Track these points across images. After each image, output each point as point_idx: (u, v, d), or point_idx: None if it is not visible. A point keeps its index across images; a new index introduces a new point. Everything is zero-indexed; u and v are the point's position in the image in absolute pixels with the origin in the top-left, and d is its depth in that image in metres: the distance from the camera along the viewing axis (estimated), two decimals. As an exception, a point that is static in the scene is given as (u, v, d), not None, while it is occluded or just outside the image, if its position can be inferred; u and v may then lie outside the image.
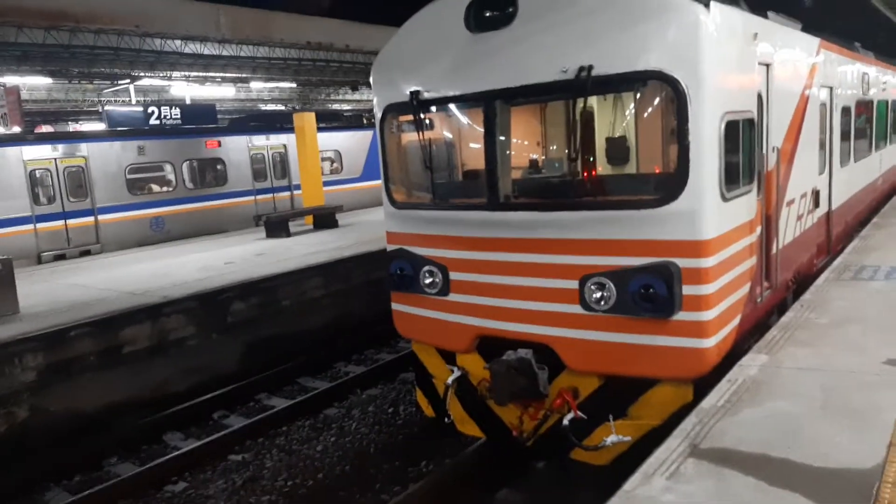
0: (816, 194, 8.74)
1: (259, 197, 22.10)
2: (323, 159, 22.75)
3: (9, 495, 7.87)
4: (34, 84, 21.87)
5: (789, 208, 7.54)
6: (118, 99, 24.44)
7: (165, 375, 10.42)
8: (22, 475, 8.19)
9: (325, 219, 19.08)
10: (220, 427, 9.40)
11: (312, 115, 20.36)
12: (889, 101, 14.72)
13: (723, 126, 5.51)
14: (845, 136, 10.29)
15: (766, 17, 7.27)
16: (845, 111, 10.19)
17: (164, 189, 20.00)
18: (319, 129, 20.71)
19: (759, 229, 6.55)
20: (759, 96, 6.41)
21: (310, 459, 8.06)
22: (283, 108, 31.84)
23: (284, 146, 22.78)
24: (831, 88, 9.26)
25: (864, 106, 11.95)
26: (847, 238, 10.64)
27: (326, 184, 21.59)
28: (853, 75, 10.94)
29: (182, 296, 11.10)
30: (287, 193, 23.01)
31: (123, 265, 14.88)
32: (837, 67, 9.73)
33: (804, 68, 7.97)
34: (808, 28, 8.87)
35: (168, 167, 20.03)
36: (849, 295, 7.28)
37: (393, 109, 6.94)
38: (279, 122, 23.87)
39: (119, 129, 20.24)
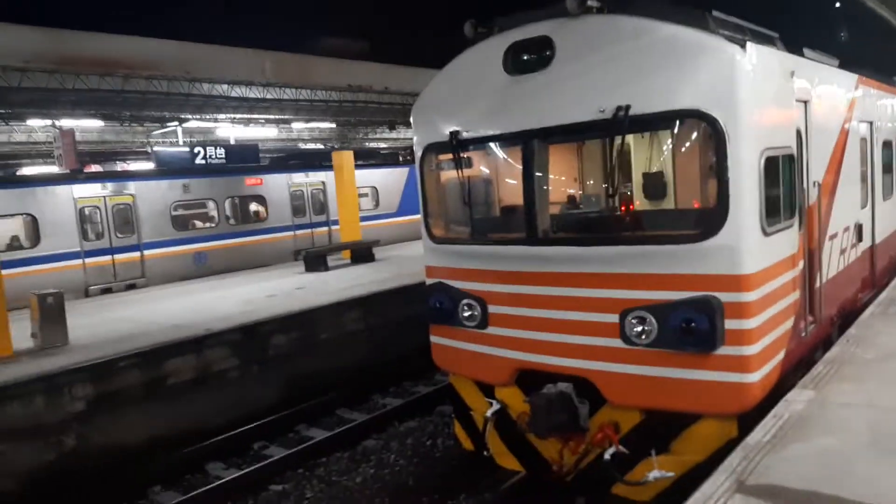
0: (859, 228, 8.64)
1: (298, 232, 22.53)
2: (360, 195, 23.16)
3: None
4: (87, 126, 22.83)
5: (832, 242, 7.47)
6: (166, 140, 25.31)
7: (207, 406, 10.60)
8: (69, 501, 8.37)
9: (362, 253, 19.33)
10: (261, 457, 9.50)
11: (350, 154, 20.79)
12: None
13: (762, 162, 5.55)
14: (887, 169, 10.17)
15: (802, 54, 7.33)
16: (886, 145, 10.10)
17: (207, 225, 20.54)
18: (357, 167, 21.13)
19: (801, 263, 6.51)
20: (798, 132, 6.43)
21: (349, 491, 8.10)
22: (321, 146, 32.56)
23: (323, 183, 23.27)
24: (871, 123, 9.20)
25: None
26: (891, 272, 10.43)
27: (364, 219, 21.93)
28: (894, 109, 10.85)
29: (225, 328, 11.34)
30: (325, 228, 23.41)
31: (167, 299, 15.26)
32: (877, 101, 9.68)
33: (843, 104, 7.97)
34: (844, 64, 8.88)
35: (211, 204, 20.60)
36: (895, 329, 7.14)
37: (432, 149, 7.13)
38: (318, 160, 24.41)
39: (165, 168, 20.91)
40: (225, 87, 19.19)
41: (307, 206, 23.08)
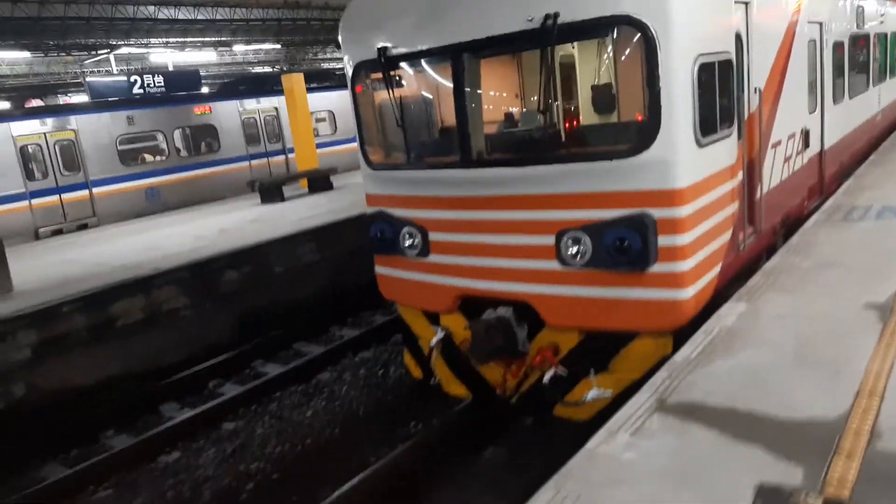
0: (806, 134, 8.51)
1: (254, 162, 21.92)
2: (316, 120, 22.44)
3: (7, 468, 8.01)
4: (13, 59, 21.52)
5: (775, 150, 7.35)
6: (100, 69, 24.01)
7: (159, 347, 10.47)
8: (19, 449, 8.31)
9: (319, 182, 18.91)
10: (216, 396, 9.48)
11: (301, 76, 20.00)
12: (889, 34, 14.24)
13: (696, 69, 5.32)
14: (838, 72, 9.97)
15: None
16: (838, 46, 9.85)
17: (157, 158, 19.87)
18: (311, 90, 20.36)
19: (740, 174, 6.39)
20: (738, 36, 6.17)
21: (299, 425, 8.12)
22: (270, 69, 31.27)
23: (276, 109, 22.48)
24: (821, 24, 8.93)
25: (860, 40, 11.55)
26: (843, 178, 10.42)
27: (322, 145, 21.34)
28: (846, 9, 10.55)
29: (173, 267, 11.08)
30: (282, 157, 22.80)
31: (119, 238, 14.87)
32: (828, 2, 9.37)
33: (789, 5, 7.67)
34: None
35: (160, 136, 19.85)
36: (836, 237, 7.15)
37: (363, 67, 6.77)
38: (270, 85, 23.51)
39: (107, 100, 19.99)
40: (152, 8, 17.97)
41: (261, 134, 22.37)
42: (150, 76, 20.58)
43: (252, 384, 9.41)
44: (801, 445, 3.49)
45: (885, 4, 13.89)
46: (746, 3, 6.35)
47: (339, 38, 7.02)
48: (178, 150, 20.23)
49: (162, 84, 20.71)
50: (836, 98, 9.91)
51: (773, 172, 7.34)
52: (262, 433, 8.05)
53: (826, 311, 5.25)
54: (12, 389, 9.11)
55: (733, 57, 6.07)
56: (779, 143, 7.48)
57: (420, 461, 6.71)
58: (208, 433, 8.31)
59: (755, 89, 6.62)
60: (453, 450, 6.88)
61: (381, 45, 6.35)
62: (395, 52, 6.33)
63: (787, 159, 7.82)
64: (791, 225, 8.02)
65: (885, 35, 13.83)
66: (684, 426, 3.85)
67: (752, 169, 6.68)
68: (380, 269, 7.33)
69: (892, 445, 3.40)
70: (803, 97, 8.36)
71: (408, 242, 6.81)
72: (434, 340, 6.83)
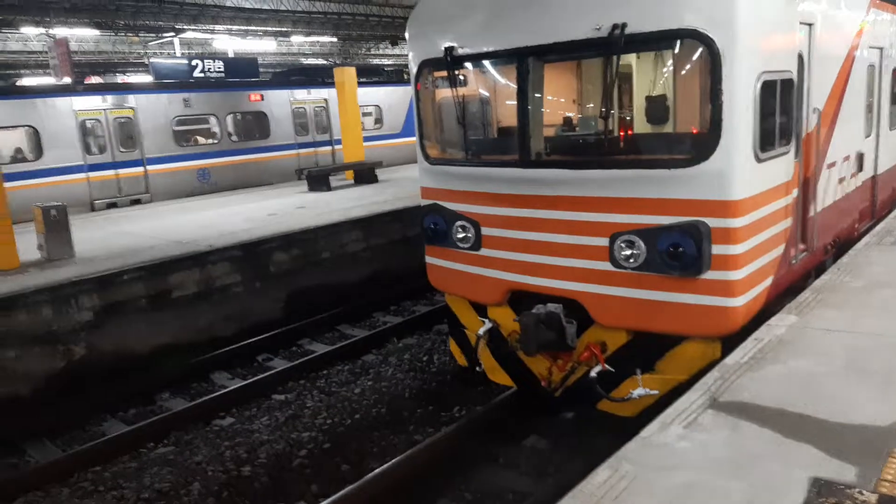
0: (861, 158, 8.59)
1: (301, 151, 22.41)
2: (364, 115, 22.85)
3: (68, 424, 8.48)
4: (82, 35, 22.43)
5: (830, 171, 7.46)
6: (163, 52, 24.83)
7: (211, 320, 10.91)
8: (80, 407, 8.80)
9: (365, 174, 19.30)
10: (264, 369, 9.87)
11: (353, 70, 20.40)
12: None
13: (758, 86, 5.47)
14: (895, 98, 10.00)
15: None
16: None
17: (210, 141, 20.44)
18: (360, 84, 20.76)
19: (795, 191, 6.53)
20: (801, 56, 6.31)
21: (348, 401, 8.45)
22: (323, 62, 31.86)
23: (325, 100, 22.94)
24: (881, 49, 8.98)
25: None
26: (893, 203, 10.44)
27: (367, 139, 21.72)
28: None
29: (227, 245, 11.51)
30: (328, 148, 23.26)
31: (172, 215, 15.40)
32: (889, 28, 9.41)
33: (851, 28, 7.77)
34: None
35: (213, 119, 20.41)
36: (887, 260, 7.24)
37: (428, 65, 7.00)
38: (320, 77, 24.00)
39: (165, 81, 20.64)
40: (221, -5, 18.72)
41: (310, 125, 22.86)
42: (211, 61, 21.19)
43: (301, 360, 9.79)
44: (853, 447, 3.67)
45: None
46: (810, 25, 6.48)
47: (406, 36, 7.28)
48: (229, 135, 20.78)
49: (221, 69, 21.27)
50: (893, 124, 9.94)
51: (827, 192, 7.44)
52: (313, 405, 8.42)
53: (876, 328, 5.39)
54: (73, 350, 9.60)
55: (795, 76, 6.21)
56: (833, 164, 7.58)
57: (464, 443, 6.97)
58: (259, 403, 8.70)
59: (814, 109, 6.75)
60: (496, 435, 7.13)
61: (447, 44, 6.59)
62: (461, 52, 6.55)
63: (840, 180, 7.92)
64: (841, 245, 8.12)
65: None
66: (737, 423, 4.06)
67: (806, 187, 6.81)
68: (430, 260, 7.58)
69: (943, 454, 3.57)
70: (860, 121, 8.44)
71: (460, 235, 7.04)
72: (481, 331, 7.06)
